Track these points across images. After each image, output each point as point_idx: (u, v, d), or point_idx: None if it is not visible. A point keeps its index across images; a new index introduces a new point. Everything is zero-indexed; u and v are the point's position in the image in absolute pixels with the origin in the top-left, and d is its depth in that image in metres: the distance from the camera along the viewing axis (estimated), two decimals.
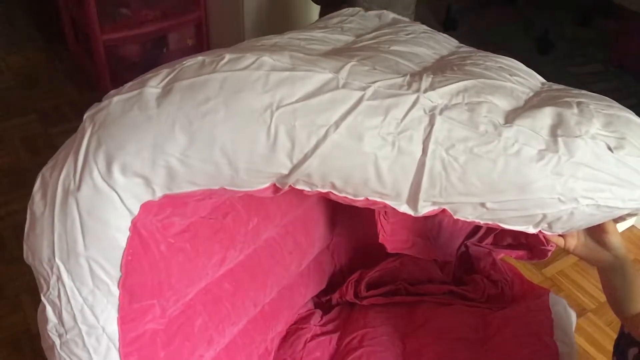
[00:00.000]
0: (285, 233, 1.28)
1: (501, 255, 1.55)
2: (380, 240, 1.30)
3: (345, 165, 0.83)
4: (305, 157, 0.81)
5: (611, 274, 1.00)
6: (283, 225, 1.27)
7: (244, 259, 1.14)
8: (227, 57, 0.84)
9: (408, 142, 0.82)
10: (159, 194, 0.84)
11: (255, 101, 0.80)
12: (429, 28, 1.25)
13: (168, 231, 0.92)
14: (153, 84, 0.83)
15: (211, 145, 0.81)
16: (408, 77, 0.88)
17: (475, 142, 0.82)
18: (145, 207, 0.84)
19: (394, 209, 0.88)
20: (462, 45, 1.24)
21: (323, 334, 1.40)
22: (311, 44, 1.03)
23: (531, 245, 1.45)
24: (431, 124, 0.83)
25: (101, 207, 0.82)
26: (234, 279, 1.11)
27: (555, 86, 1.06)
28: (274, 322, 1.29)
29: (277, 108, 0.80)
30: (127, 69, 2.23)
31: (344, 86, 0.83)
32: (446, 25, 2.86)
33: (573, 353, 1.27)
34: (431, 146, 0.82)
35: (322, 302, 1.52)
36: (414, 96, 0.84)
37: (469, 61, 1.04)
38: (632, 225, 1.96)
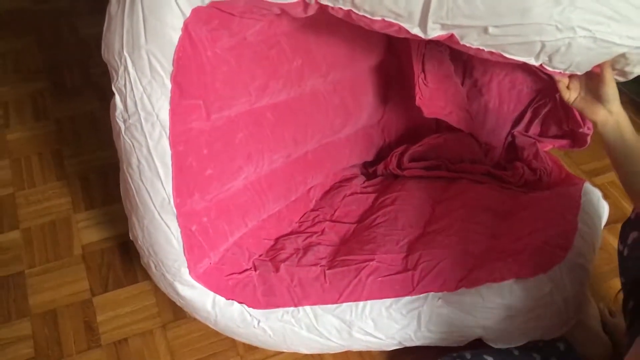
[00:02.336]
0: (332, 90, 1.40)
1: (548, 147, 1.60)
2: (417, 103, 1.39)
3: None
4: None
5: (608, 132, 1.03)
6: (330, 81, 1.39)
7: (288, 99, 1.28)
8: None
9: None
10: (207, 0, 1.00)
11: None
12: None
13: (216, 43, 1.07)
14: None
15: None
16: None
17: None
18: (196, 11, 1.00)
19: (407, 31, 0.98)
20: None
21: (362, 192, 1.53)
22: None
23: (573, 133, 1.49)
24: None
25: (160, 7, 0.99)
26: (277, 112, 1.26)
27: None
28: (315, 170, 1.43)
29: None
30: None
31: None
32: None
33: (594, 235, 1.31)
34: None
35: (368, 172, 1.64)
36: None
37: None
38: None
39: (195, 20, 1.01)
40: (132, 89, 1.05)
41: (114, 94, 1.09)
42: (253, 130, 1.22)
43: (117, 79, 1.06)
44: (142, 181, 1.08)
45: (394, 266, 1.24)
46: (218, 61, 1.08)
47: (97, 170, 1.76)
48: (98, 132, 1.88)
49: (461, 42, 0.97)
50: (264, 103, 1.24)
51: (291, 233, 1.39)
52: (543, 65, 0.97)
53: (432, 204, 1.45)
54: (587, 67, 0.98)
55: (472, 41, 0.97)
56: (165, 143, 1.08)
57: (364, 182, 1.58)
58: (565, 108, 1.45)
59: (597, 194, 1.43)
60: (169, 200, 1.08)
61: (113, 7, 1.04)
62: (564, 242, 1.25)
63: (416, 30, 0.98)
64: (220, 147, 1.15)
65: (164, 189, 1.07)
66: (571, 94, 1.05)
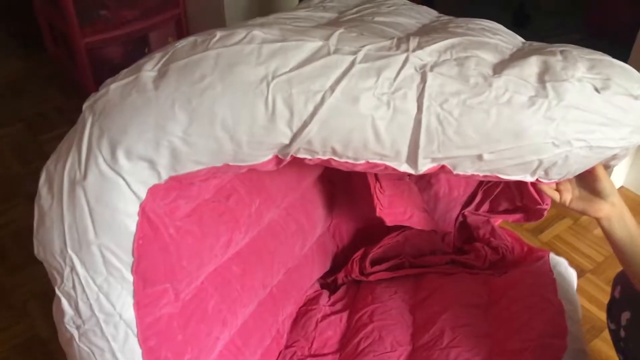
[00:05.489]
0: (286, 215, 1.29)
1: (499, 221, 1.58)
2: (377, 214, 1.32)
3: (344, 128, 0.84)
4: (305, 124, 0.83)
5: (614, 227, 0.99)
6: (284, 207, 1.28)
7: (250, 242, 1.15)
8: (218, 34, 0.85)
9: (402, 100, 0.84)
10: (165, 176, 0.85)
11: (251, 73, 0.82)
12: (408, 2, 1.27)
13: (174, 214, 0.93)
14: (148, 68, 0.85)
15: (212, 121, 0.82)
16: (395, 40, 0.90)
17: (468, 94, 0.84)
18: (152, 191, 0.85)
19: (394, 169, 0.90)
20: (441, 15, 1.26)
21: (333, 313, 1.42)
22: (296, 22, 1.05)
23: (526, 208, 1.48)
24: (423, 80, 0.85)
25: (109, 194, 0.83)
26: (241, 261, 1.13)
27: (536, 44, 1.08)
28: (283, 303, 1.30)
29: (273, 78, 0.82)
30: (110, 71, 2.19)
31: (335, 52, 0.85)
32: None
33: (577, 311, 1.30)
34: (425, 102, 0.84)
35: (327, 282, 1.53)
36: (404, 56, 0.86)
37: (451, 24, 1.07)
38: (622, 186, 1.99)
39: (152, 199, 0.86)
40: (83, 290, 0.88)
41: (57, 297, 0.90)
42: (223, 292, 1.07)
43: (63, 281, 0.88)
44: None
45: None
46: (181, 235, 0.93)
47: None
48: None
49: (454, 172, 0.90)
50: (228, 256, 1.10)
51: None
52: (539, 179, 0.93)
53: (409, 310, 1.38)
54: (581, 171, 0.95)
55: (466, 169, 0.90)
56: (134, 342, 0.91)
57: (329, 299, 1.46)
58: (518, 186, 1.43)
59: (563, 263, 1.42)
60: None
61: (45, 200, 0.86)
62: (558, 329, 1.22)
63: (405, 167, 0.90)
64: (194, 326, 0.99)
65: None
66: (565, 196, 1.01)
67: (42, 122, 2.19)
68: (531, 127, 0.85)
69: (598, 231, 1.79)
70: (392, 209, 1.33)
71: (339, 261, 1.56)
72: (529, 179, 0.92)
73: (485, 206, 1.55)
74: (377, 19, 1.07)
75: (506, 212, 1.53)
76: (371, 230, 1.57)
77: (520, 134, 0.85)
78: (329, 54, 0.84)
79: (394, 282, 1.47)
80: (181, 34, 2.34)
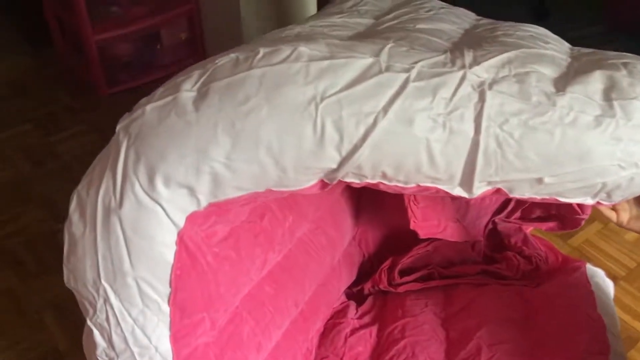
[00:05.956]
0: (316, 228, 1.24)
1: (531, 228, 1.53)
2: (411, 227, 1.27)
3: (397, 152, 0.79)
4: (355, 148, 0.78)
5: None
6: (314, 221, 1.23)
7: (282, 260, 1.10)
8: (262, 51, 0.79)
9: (459, 121, 0.79)
10: (204, 203, 0.80)
11: (298, 94, 0.76)
12: (444, 3, 1.21)
13: (212, 240, 0.88)
14: (187, 87, 0.79)
15: (256, 146, 0.76)
16: (449, 53, 0.84)
17: (529, 114, 0.79)
18: (191, 218, 0.80)
19: (447, 192, 0.85)
20: (480, 17, 1.20)
21: (362, 327, 1.37)
22: (334, 31, 0.99)
23: (561, 216, 1.43)
24: (482, 100, 0.79)
25: (146, 223, 0.78)
26: (273, 281, 1.08)
27: (584, 50, 1.02)
28: (313, 319, 1.26)
29: (322, 99, 0.76)
30: (121, 69, 2.17)
31: (387, 69, 0.79)
32: None
33: (616, 324, 1.26)
34: (484, 123, 0.79)
35: (353, 292, 1.48)
36: (460, 73, 0.80)
37: (499, 32, 1.01)
38: None
39: (191, 227, 0.81)
40: (117, 323, 0.83)
41: (88, 328, 0.85)
42: (257, 316, 1.02)
43: (95, 313, 0.83)
44: None
45: None
46: (219, 262, 0.88)
47: None
48: None
49: (510, 195, 0.85)
50: (261, 276, 1.05)
51: None
52: (600, 202, 0.87)
53: (441, 324, 1.33)
54: None
55: (523, 193, 0.85)
56: None
57: (356, 311, 1.41)
58: None
59: (600, 274, 1.38)
60: None
61: (76, 226, 0.81)
62: (600, 346, 1.18)
63: (457, 191, 0.84)
64: (230, 355, 0.95)
65: None
66: (622, 216, 0.96)
67: (51, 122, 2.13)
68: (597, 149, 0.79)
69: (629, 235, 1.74)
70: (426, 221, 1.28)
71: (365, 269, 1.51)
72: (589, 201, 0.87)
73: (517, 214, 1.50)
74: (418, 26, 1.01)
75: (539, 219, 1.48)
76: (398, 237, 1.52)
77: (585, 156, 0.80)
78: (380, 71, 0.79)
79: (424, 293, 1.42)
80: (194, 31, 2.27)
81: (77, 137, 2.02)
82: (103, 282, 0.80)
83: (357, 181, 0.82)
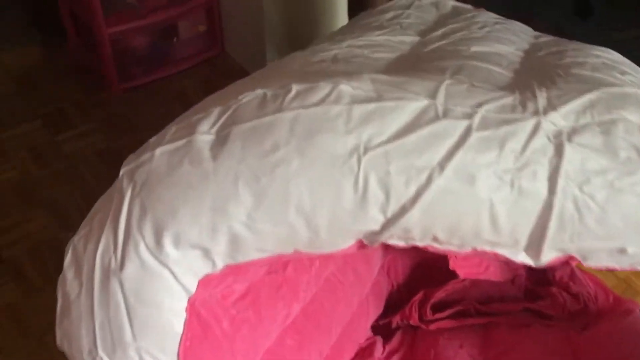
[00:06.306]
0: (344, 265, 1.12)
1: (576, 261, 1.39)
2: (451, 267, 1.14)
3: (453, 215, 0.66)
4: (403, 210, 0.64)
5: None
6: (341, 257, 1.10)
7: (306, 306, 0.98)
8: (294, 89, 0.66)
9: (531, 179, 0.65)
10: (220, 264, 0.68)
11: (338, 144, 0.63)
12: (497, 16, 1.06)
13: (227, 300, 0.75)
14: (204, 129, 0.66)
15: (285, 204, 0.64)
16: (517, 94, 0.70)
17: (616, 173, 0.65)
18: (205, 281, 0.68)
19: (507, 258, 0.71)
20: (538, 34, 1.06)
21: None
22: (375, 52, 0.86)
23: None
24: (559, 154, 0.65)
25: (151, 288, 0.66)
26: (297, 332, 0.95)
27: None
28: None
29: (366, 151, 0.63)
30: (135, 63, 2.04)
31: (445, 115, 0.66)
32: None
33: None
34: (560, 182, 0.65)
35: (380, 325, 1.36)
36: (533, 120, 0.67)
37: (567, 59, 0.87)
38: None
39: (204, 290, 0.69)
40: None
41: None
42: None
43: None
44: None
45: None
46: (236, 327, 0.76)
47: None
48: None
49: (584, 263, 0.71)
50: (283, 328, 0.92)
51: None
52: None
53: None
54: None
55: (600, 262, 0.71)
56: None
57: (383, 349, 1.29)
58: None
59: None
60: None
61: (70, 286, 0.70)
62: None
63: (521, 257, 0.71)
64: None
65: None
66: None
67: (60, 119, 2.01)
68: None
69: None
70: (467, 260, 1.15)
71: (394, 300, 1.39)
72: None
73: None
74: (473, 49, 0.87)
75: None
76: (430, 266, 1.39)
77: None
78: (437, 117, 0.65)
79: (458, 332, 1.29)
80: (213, 23, 2.14)
81: (86, 137, 1.91)
82: (100, 352, 0.68)
83: (402, 244, 0.69)
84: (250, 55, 2.09)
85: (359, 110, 0.64)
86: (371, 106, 0.64)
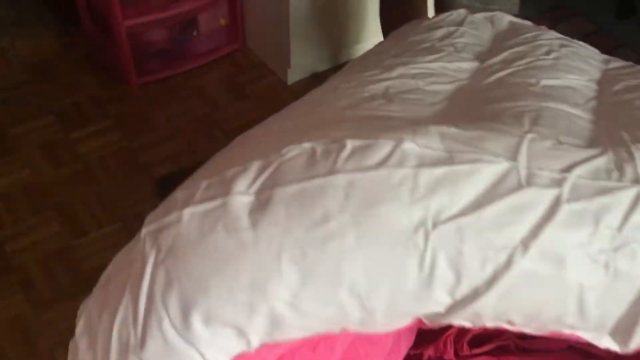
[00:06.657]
0: None
1: None
2: None
3: (535, 300, 0.56)
4: (476, 293, 0.55)
5: None
6: None
7: (342, 356, 0.88)
8: (349, 145, 0.56)
9: (629, 261, 0.55)
10: (256, 343, 0.58)
11: (402, 217, 0.53)
12: (561, 36, 0.95)
13: None
14: (241, 189, 0.56)
15: (336, 284, 0.54)
16: (611, 153, 0.60)
17: None
18: None
19: (588, 342, 0.61)
20: (607, 57, 0.94)
21: None
22: (431, 84, 0.75)
23: None
24: None
25: None
26: None
27: None
28: None
29: (435, 225, 0.53)
30: (153, 57, 1.94)
31: (529, 182, 0.55)
32: None
33: None
34: None
35: (411, 356, 1.27)
36: (635, 190, 0.56)
37: None
38: None
39: None
40: None
41: None
42: None
43: None
44: None
45: None
46: None
47: None
48: None
49: None
50: None
51: None
52: None
53: None
54: None
55: None
56: None
57: None
58: None
59: None
60: None
61: (83, 357, 0.60)
62: None
63: (605, 341, 0.61)
64: None
65: None
66: None
67: (75, 114, 1.91)
68: None
69: None
70: None
71: (424, 329, 1.29)
72: None
73: None
74: (544, 82, 0.76)
75: None
76: None
77: None
78: (520, 185, 0.55)
79: None
80: (235, 16, 2.02)
81: (101, 135, 1.81)
82: None
83: (468, 325, 0.60)
84: (273, 51, 1.98)
85: (426, 175, 0.54)
86: (441, 170, 0.54)
